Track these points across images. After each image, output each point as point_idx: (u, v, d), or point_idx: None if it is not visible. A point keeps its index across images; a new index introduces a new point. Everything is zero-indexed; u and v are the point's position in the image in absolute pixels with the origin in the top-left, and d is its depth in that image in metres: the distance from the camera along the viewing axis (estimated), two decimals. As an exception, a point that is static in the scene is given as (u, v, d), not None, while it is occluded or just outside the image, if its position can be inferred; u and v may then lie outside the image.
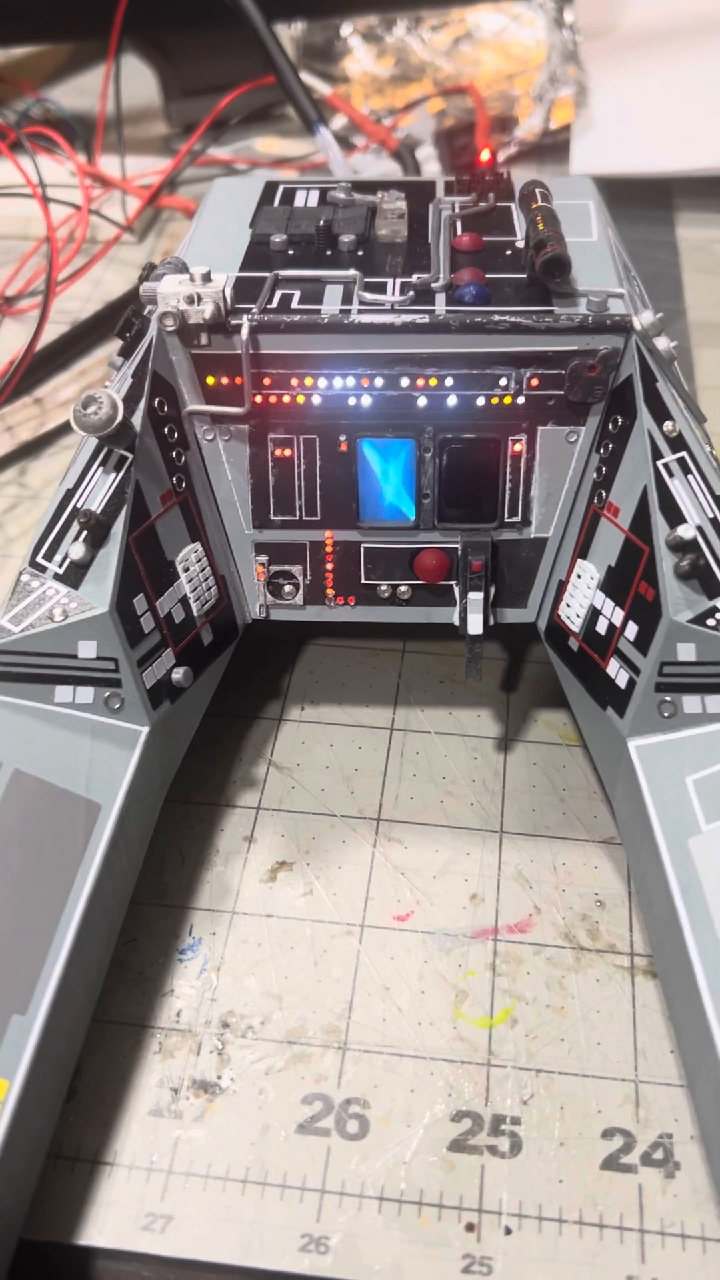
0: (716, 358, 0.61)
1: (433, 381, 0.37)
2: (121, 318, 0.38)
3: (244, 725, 0.43)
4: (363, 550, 0.39)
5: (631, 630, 0.35)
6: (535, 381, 0.37)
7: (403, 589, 0.40)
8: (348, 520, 0.39)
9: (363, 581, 0.40)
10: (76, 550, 0.35)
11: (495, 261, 0.40)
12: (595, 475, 0.37)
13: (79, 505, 0.36)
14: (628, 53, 0.83)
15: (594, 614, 0.37)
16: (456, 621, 0.39)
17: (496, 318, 0.36)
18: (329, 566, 0.40)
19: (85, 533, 0.35)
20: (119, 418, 0.34)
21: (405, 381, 0.37)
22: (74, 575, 0.35)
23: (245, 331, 0.36)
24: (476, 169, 0.47)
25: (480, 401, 0.37)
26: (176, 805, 0.40)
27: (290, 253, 0.41)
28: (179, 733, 0.38)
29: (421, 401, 0.37)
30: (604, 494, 0.37)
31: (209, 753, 0.42)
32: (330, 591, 0.40)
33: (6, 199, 0.65)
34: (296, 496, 0.39)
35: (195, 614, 0.38)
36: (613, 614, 0.36)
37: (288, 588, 0.40)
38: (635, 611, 0.35)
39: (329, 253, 0.41)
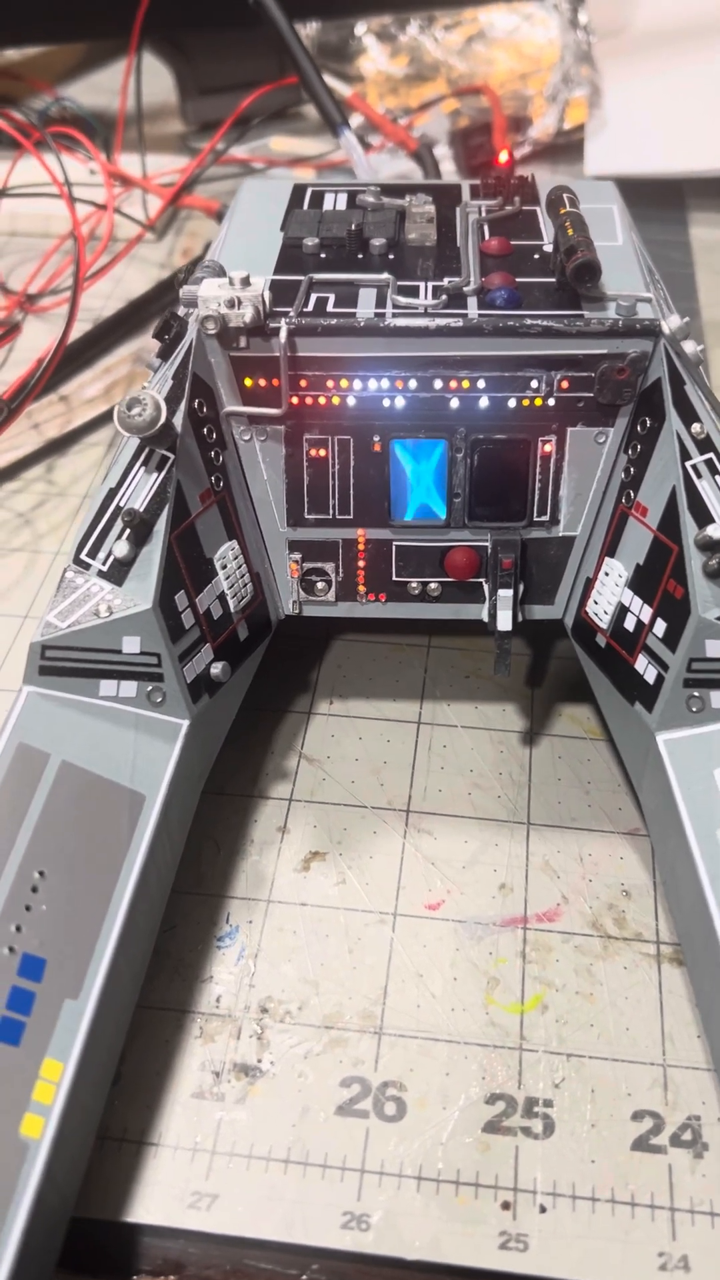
0: (731, 358, 0.61)
1: (465, 384, 0.38)
2: (159, 320, 0.39)
3: (275, 718, 0.44)
4: (394, 548, 0.40)
5: (660, 627, 0.36)
6: (565, 384, 0.38)
7: (433, 586, 0.41)
8: (380, 519, 0.40)
9: (394, 579, 0.41)
10: (120, 548, 0.36)
11: (524, 265, 0.41)
12: (624, 476, 0.38)
13: (122, 504, 0.36)
14: (641, 52, 0.83)
15: (622, 611, 0.38)
16: (485, 618, 0.40)
17: (529, 321, 0.37)
18: (361, 564, 0.41)
19: (129, 531, 0.36)
20: (162, 419, 0.35)
21: (438, 383, 0.38)
22: (118, 572, 0.36)
23: (284, 334, 0.37)
24: (501, 172, 0.48)
25: (511, 403, 0.38)
26: (212, 796, 0.41)
27: (323, 256, 0.42)
28: (217, 726, 0.39)
29: (454, 403, 0.38)
30: (632, 494, 0.38)
31: (242, 745, 0.43)
32: (362, 588, 0.41)
33: (27, 197, 0.66)
34: (330, 495, 0.40)
35: (232, 610, 0.39)
36: (641, 611, 0.37)
37: (320, 584, 0.41)
38: (664, 609, 0.36)
39: (360, 256, 0.42)
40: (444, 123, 0.80)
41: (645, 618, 0.37)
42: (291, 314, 0.37)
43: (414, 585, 0.41)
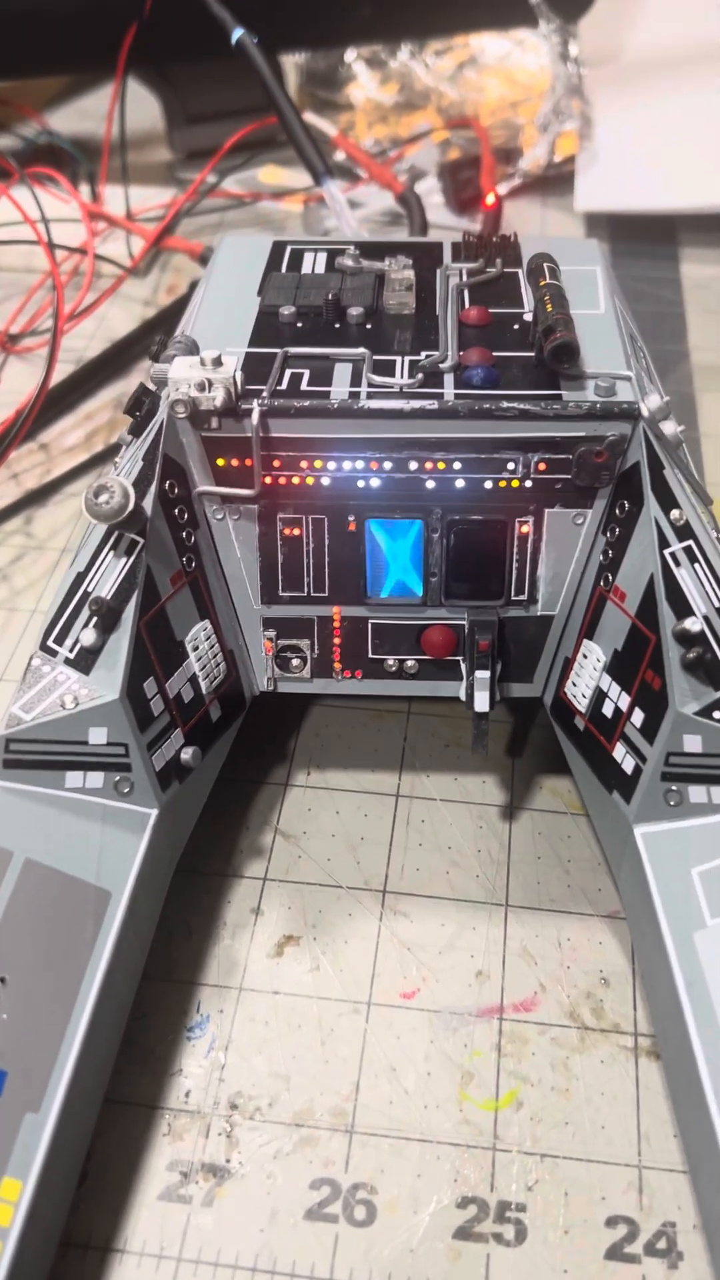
0: (720, 404, 0.61)
1: (441, 465, 0.37)
2: (132, 395, 0.39)
3: (250, 790, 0.44)
4: (370, 626, 0.40)
5: (638, 717, 0.35)
6: (543, 466, 0.37)
7: (410, 663, 0.40)
8: (355, 597, 0.39)
9: (370, 656, 0.40)
10: (88, 637, 0.35)
11: (503, 338, 0.40)
12: (602, 558, 0.38)
13: (90, 589, 0.36)
14: (632, 84, 0.82)
15: (600, 696, 0.37)
16: (463, 696, 0.40)
17: (505, 404, 0.36)
18: (336, 641, 0.40)
19: (96, 619, 0.35)
20: (130, 505, 0.35)
21: (414, 465, 0.37)
22: (85, 661, 0.35)
23: (255, 416, 0.36)
24: (485, 231, 0.47)
25: (488, 484, 0.37)
26: (184, 876, 0.40)
27: (299, 325, 0.41)
28: (187, 811, 0.38)
29: (430, 484, 0.37)
30: (610, 577, 0.37)
31: (216, 819, 0.42)
32: (338, 665, 0.40)
33: (6, 229, 0.65)
34: (305, 573, 0.39)
35: (203, 691, 0.38)
36: (619, 698, 0.36)
37: (295, 661, 0.40)
38: (642, 698, 0.35)
39: (337, 325, 0.41)
40: (434, 153, 0.80)
41: (624, 705, 0.36)
42: (264, 394, 0.37)
43: (391, 662, 0.40)
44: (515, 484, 0.37)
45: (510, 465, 0.37)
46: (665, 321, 0.68)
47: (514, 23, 0.81)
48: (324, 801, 0.43)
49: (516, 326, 0.41)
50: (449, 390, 0.37)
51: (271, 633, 0.40)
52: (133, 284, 0.70)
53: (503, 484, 0.37)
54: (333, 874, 0.41)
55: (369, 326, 0.41)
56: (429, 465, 0.37)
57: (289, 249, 0.46)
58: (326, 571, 0.39)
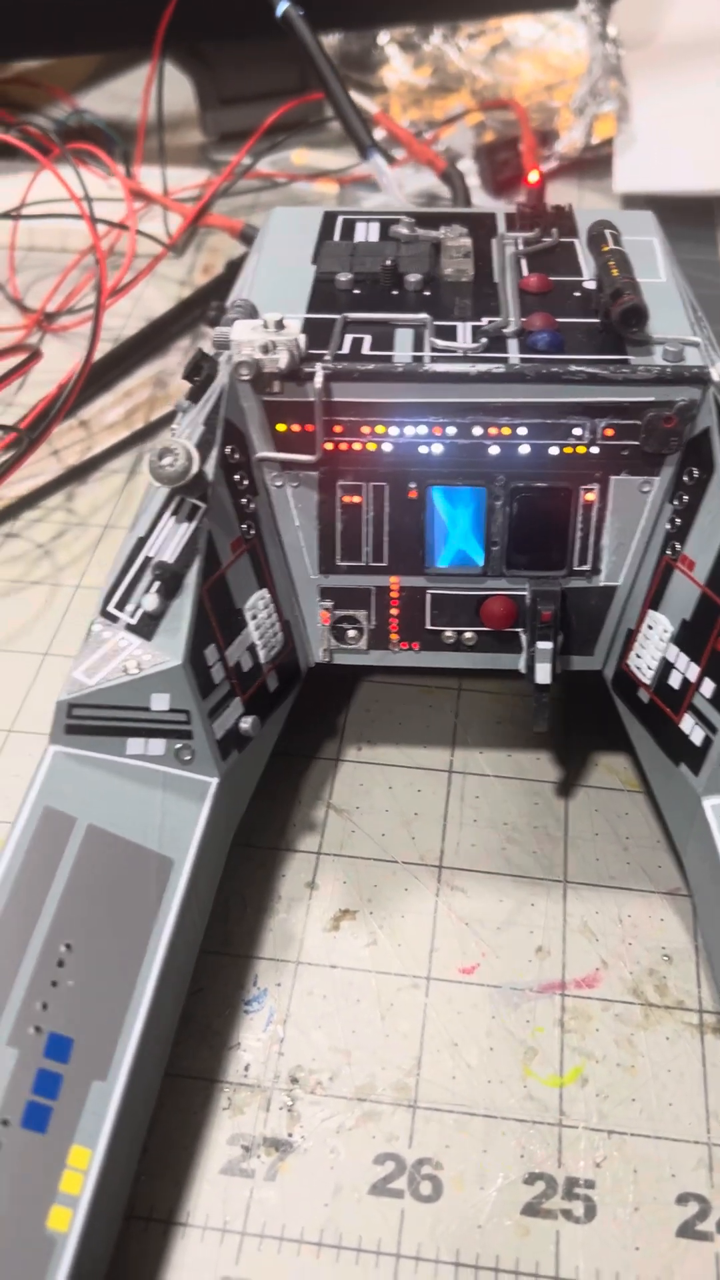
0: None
1: (505, 430, 0.37)
2: (189, 359, 0.38)
3: (302, 765, 0.43)
4: (429, 596, 0.39)
5: (708, 687, 0.35)
6: (610, 431, 0.36)
7: (468, 635, 0.39)
8: (414, 566, 0.39)
9: (428, 627, 0.39)
10: (150, 602, 0.34)
11: (564, 304, 0.39)
12: (669, 526, 0.37)
13: (151, 554, 0.35)
14: (671, 65, 0.82)
15: (666, 667, 0.37)
16: (522, 668, 0.39)
17: (573, 368, 0.36)
18: (394, 612, 0.39)
19: (159, 584, 0.34)
20: (194, 468, 0.34)
21: (478, 430, 0.37)
22: (147, 626, 0.35)
23: (319, 380, 0.36)
24: (538, 202, 0.46)
25: (553, 451, 0.37)
26: (238, 850, 0.39)
27: (356, 292, 0.40)
28: (245, 781, 0.38)
29: (494, 450, 0.37)
30: (678, 546, 0.36)
31: (268, 794, 0.41)
32: (395, 636, 0.40)
33: (46, 217, 0.65)
34: (363, 542, 0.38)
35: (262, 661, 0.37)
36: (687, 669, 0.36)
37: (352, 632, 0.40)
38: (712, 668, 0.35)
39: (395, 292, 0.40)
40: (468, 136, 0.79)
41: (692, 676, 0.35)
42: (327, 358, 0.36)
43: (449, 634, 0.39)
44: (581, 450, 0.37)
45: (576, 431, 0.36)
46: (707, 305, 0.67)
47: (551, 5, 0.81)
48: (376, 777, 0.43)
49: (578, 294, 0.40)
50: (514, 355, 0.37)
51: (329, 603, 0.39)
52: (169, 264, 0.69)
53: (568, 450, 0.37)
54: (387, 849, 0.40)
55: (427, 293, 0.40)
56: (493, 431, 0.37)
57: (340, 219, 0.46)
58: (386, 540, 0.38)
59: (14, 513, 0.54)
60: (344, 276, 0.41)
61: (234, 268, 0.66)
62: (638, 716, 0.38)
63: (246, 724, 0.36)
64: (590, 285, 0.40)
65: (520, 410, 0.36)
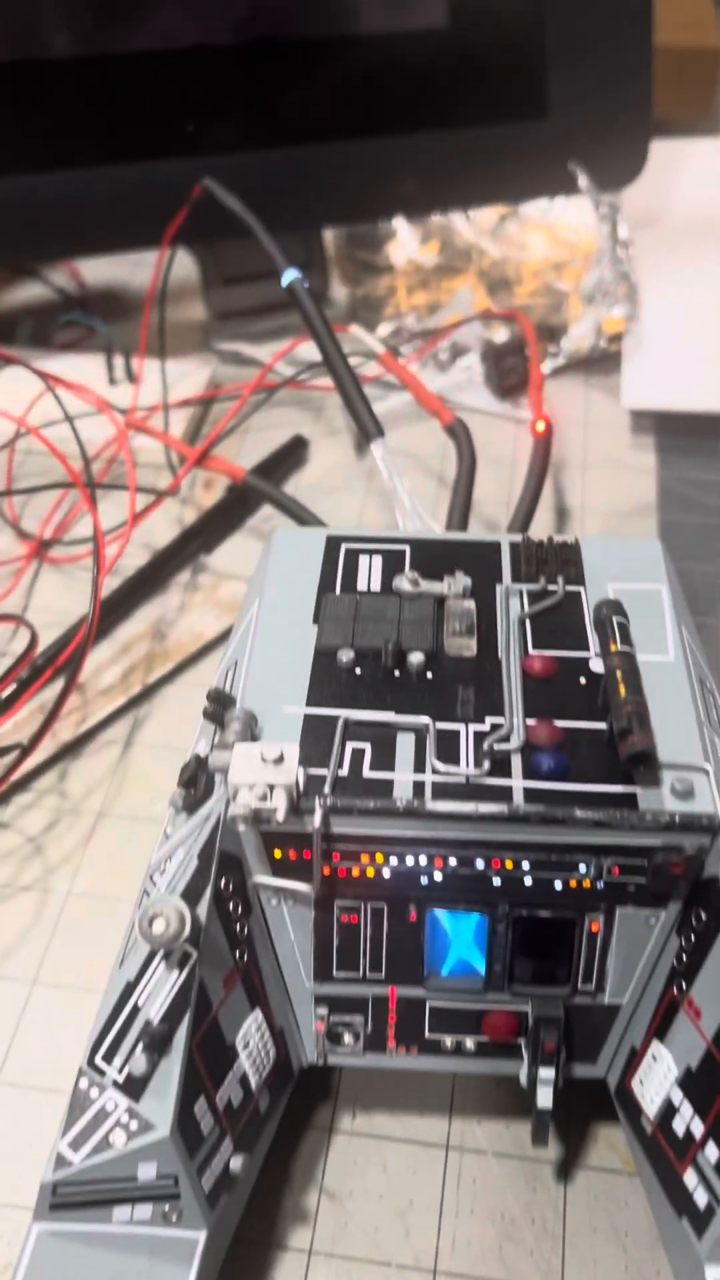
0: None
1: (509, 864, 0.35)
2: (184, 767, 0.37)
3: (294, 1137, 0.42)
4: (428, 1007, 0.38)
5: (713, 1153, 0.34)
6: (616, 870, 0.35)
7: (469, 1044, 0.38)
8: (413, 978, 0.38)
9: (426, 1035, 0.38)
10: (138, 1065, 0.33)
11: (570, 695, 0.38)
12: (675, 962, 0.36)
13: (140, 1002, 0.34)
14: (679, 250, 0.81)
15: (670, 1109, 0.36)
16: (523, 1080, 0.38)
17: (578, 813, 0.34)
18: (391, 1020, 0.38)
19: (146, 1042, 0.33)
20: (187, 930, 0.33)
21: (480, 863, 0.36)
22: (134, 1087, 0.34)
23: (319, 818, 0.35)
24: (543, 541, 0.45)
25: (557, 884, 0.36)
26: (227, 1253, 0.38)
27: (358, 671, 0.39)
28: (234, 1211, 0.37)
29: (496, 880, 0.36)
30: (684, 985, 0.35)
31: (259, 1173, 0.40)
32: (392, 1043, 0.39)
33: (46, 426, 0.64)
34: (361, 956, 0.37)
35: (254, 1087, 0.36)
36: (692, 1121, 0.35)
37: (347, 1037, 0.39)
38: (718, 1134, 0.34)
39: (397, 674, 0.39)
40: (476, 325, 0.78)
41: (696, 1131, 0.34)
42: (325, 788, 0.35)
43: (448, 1042, 0.38)
44: (586, 884, 0.36)
45: (581, 867, 0.35)
46: (713, 535, 0.66)
47: (555, 190, 0.80)
48: (370, 1154, 0.42)
49: (584, 681, 0.39)
50: (517, 781, 0.36)
51: (323, 1010, 0.38)
52: (168, 479, 0.68)
53: (573, 883, 0.36)
54: (380, 1246, 0.39)
55: (429, 675, 0.39)
56: (496, 863, 0.35)
57: (343, 549, 0.45)
58: (383, 954, 0.37)
59: (5, 797, 0.53)
60: (345, 655, 0.40)
61: (234, 492, 0.65)
62: (640, 1142, 0.37)
63: (236, 1164, 0.35)
64: (596, 667, 0.39)
65: (524, 847, 0.35)
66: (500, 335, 0.76)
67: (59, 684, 0.53)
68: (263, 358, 0.77)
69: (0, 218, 0.67)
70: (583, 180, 0.75)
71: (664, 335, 0.73)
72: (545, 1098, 0.37)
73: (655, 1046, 0.36)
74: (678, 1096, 0.35)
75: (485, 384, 0.75)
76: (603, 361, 0.77)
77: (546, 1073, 0.37)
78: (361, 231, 0.84)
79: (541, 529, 0.64)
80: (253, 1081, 0.36)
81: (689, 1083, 0.35)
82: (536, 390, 0.61)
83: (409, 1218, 0.40)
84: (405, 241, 0.85)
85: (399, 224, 0.84)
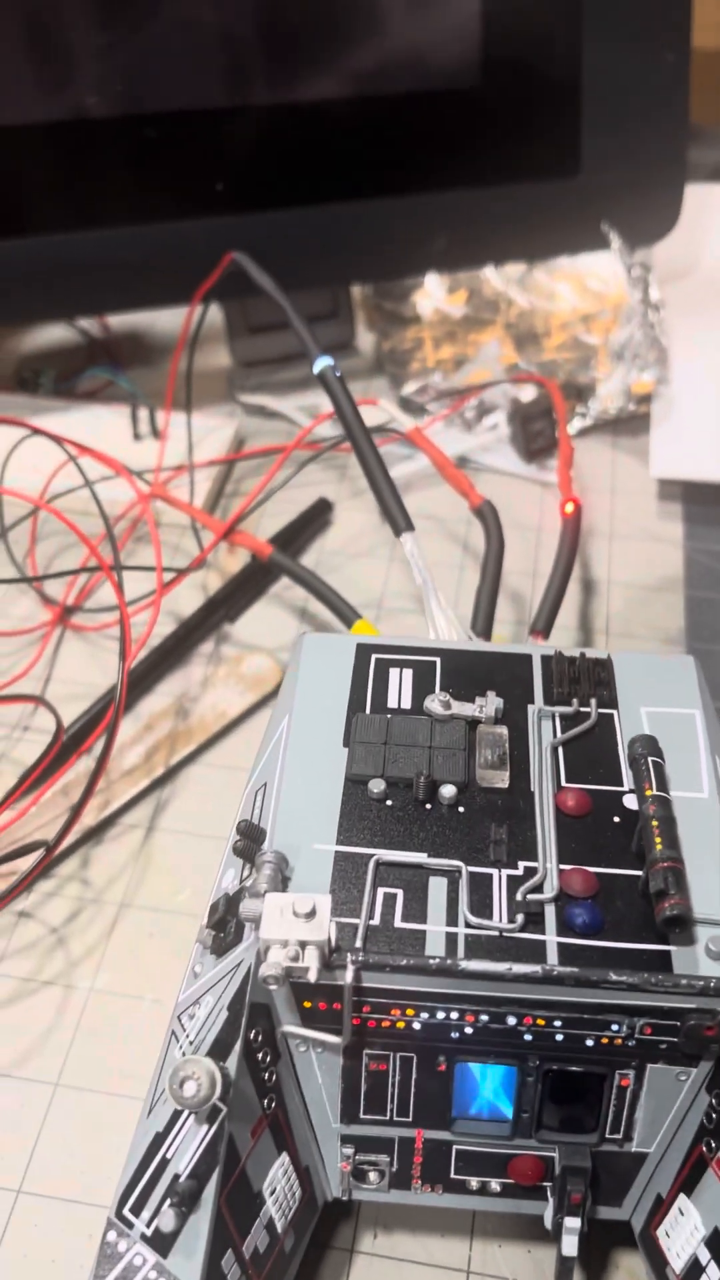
0: None
1: (541, 1021, 0.35)
2: (214, 908, 0.37)
3: (315, 1256, 0.42)
4: (454, 1150, 0.38)
5: (740, 1320, 0.34)
6: (648, 1030, 0.35)
7: (494, 1185, 0.38)
8: (440, 1123, 0.38)
9: (452, 1176, 0.38)
10: (167, 1222, 0.33)
11: (603, 836, 0.38)
12: (705, 1119, 0.36)
13: (168, 1155, 0.34)
14: (710, 309, 0.80)
15: (697, 1266, 0.35)
16: (548, 1223, 0.38)
17: (613, 976, 0.34)
18: (417, 1160, 0.38)
19: (175, 1200, 0.33)
20: (218, 1091, 0.33)
21: (512, 1019, 0.35)
22: (162, 1243, 0.34)
23: (350, 975, 0.34)
24: (574, 658, 0.45)
25: (589, 1041, 0.35)
26: None
27: (390, 803, 0.39)
28: None
29: (527, 1035, 0.36)
30: (714, 1143, 0.35)
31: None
32: (417, 1181, 0.39)
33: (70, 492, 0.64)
34: (388, 1101, 0.37)
35: (279, 1230, 0.36)
36: (719, 1284, 0.35)
37: (373, 1175, 0.39)
38: (746, 1309, 0.34)
39: (429, 805, 0.39)
40: (504, 385, 0.77)
41: (724, 1299, 0.34)
42: (358, 944, 0.35)
43: (473, 1183, 0.38)
44: (618, 1042, 0.35)
45: (614, 1026, 0.35)
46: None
47: (587, 248, 0.79)
48: (391, 1276, 0.42)
49: (618, 820, 0.39)
50: (550, 936, 0.35)
51: (349, 1149, 0.38)
52: (191, 540, 0.68)
53: (605, 1040, 0.35)
54: None
55: (461, 809, 0.39)
56: (528, 1020, 0.35)
57: (374, 659, 0.45)
58: (411, 1101, 0.37)
59: (26, 886, 0.53)
60: (376, 786, 0.39)
61: (256, 564, 0.65)
62: (664, 1293, 0.37)
63: (262, 1311, 0.35)
64: (630, 804, 0.39)
65: (557, 1005, 0.35)
66: (527, 393, 0.75)
67: (80, 764, 0.53)
68: (288, 411, 0.77)
69: (33, 277, 0.67)
70: (615, 241, 0.74)
71: (693, 401, 0.72)
72: (570, 1246, 0.37)
73: (682, 1201, 0.36)
74: (705, 1256, 0.35)
75: (511, 444, 0.74)
76: (630, 422, 0.76)
77: (572, 1222, 0.37)
78: (387, 282, 0.83)
79: (567, 603, 0.63)
80: (279, 1225, 0.36)
81: (717, 1244, 0.35)
82: (566, 466, 0.61)
83: (430, 1350, 0.40)
84: (432, 291, 0.84)
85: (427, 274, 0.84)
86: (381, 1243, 0.43)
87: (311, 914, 0.35)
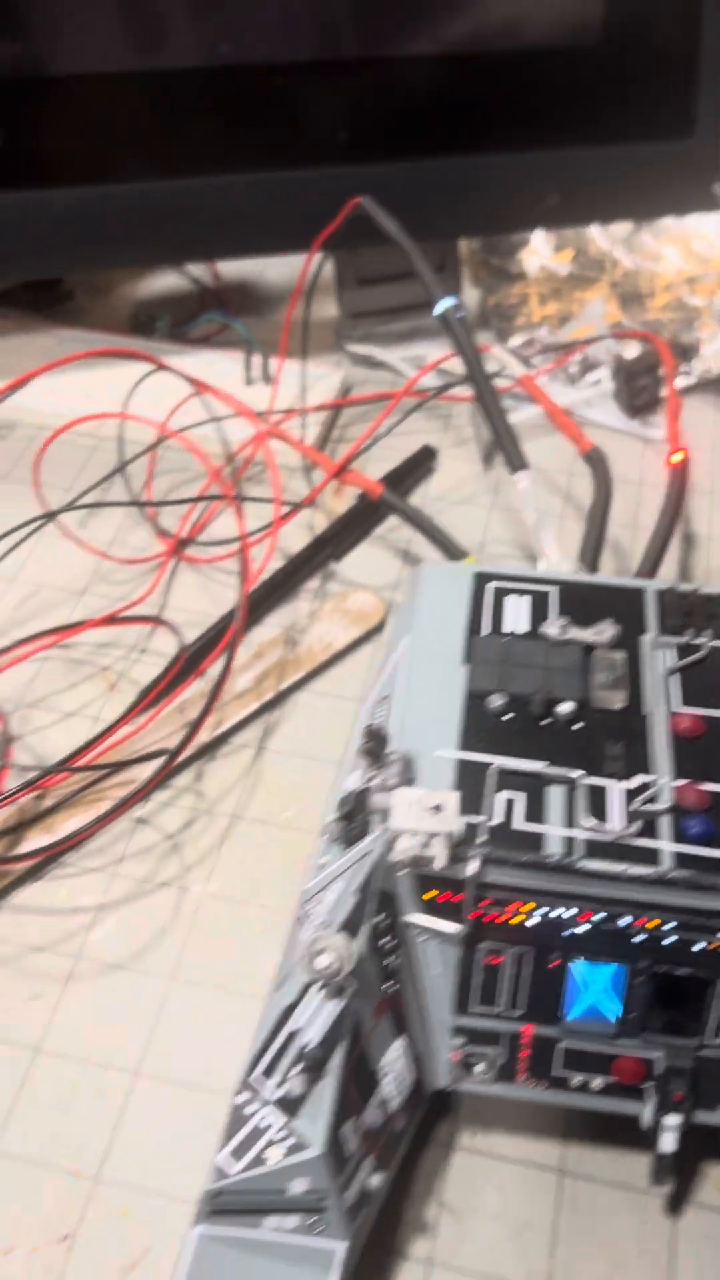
0: None
1: (652, 923, 0.37)
2: (347, 803, 0.39)
3: (417, 1148, 0.44)
4: (560, 1048, 0.40)
5: None
6: (757, 936, 0.37)
7: (596, 1083, 0.40)
8: (548, 1019, 0.39)
9: (555, 1073, 0.40)
10: (295, 1087, 0.35)
11: (716, 757, 0.40)
12: None
13: (297, 1027, 0.36)
14: None
15: None
16: (645, 1122, 0.40)
17: (725, 879, 0.36)
18: (524, 1055, 0.40)
19: (304, 1065, 0.36)
20: (351, 966, 0.35)
21: (625, 919, 0.37)
22: (290, 1107, 0.36)
23: (474, 868, 0.36)
24: (689, 591, 0.46)
25: (697, 946, 0.37)
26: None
27: (509, 717, 0.41)
28: (368, 1223, 0.39)
29: (638, 937, 0.37)
30: None
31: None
32: (522, 1075, 0.40)
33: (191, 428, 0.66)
34: (500, 994, 0.39)
35: (392, 1110, 0.39)
36: None
37: (480, 1066, 0.41)
38: None
39: (547, 720, 0.41)
40: (607, 339, 0.78)
41: None
42: (480, 839, 0.37)
43: (575, 1080, 0.40)
44: (726, 946, 0.37)
45: (723, 931, 0.37)
46: None
47: (697, 209, 0.79)
48: (488, 1174, 0.44)
49: (730, 742, 0.40)
50: (665, 843, 0.37)
51: (460, 1040, 0.40)
52: (298, 485, 0.70)
53: (713, 946, 0.37)
54: (497, 1263, 0.41)
55: (578, 725, 0.41)
56: (640, 921, 0.37)
57: (491, 587, 0.46)
58: (523, 995, 0.39)
59: (146, 794, 0.55)
60: (496, 700, 0.41)
61: (365, 501, 0.67)
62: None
63: (375, 1181, 0.38)
64: (747, 729, 0.41)
65: (669, 909, 0.37)
66: (631, 350, 0.76)
67: (196, 684, 0.56)
68: (394, 362, 0.78)
69: (165, 220, 0.69)
70: (727, 202, 0.74)
71: None
72: (670, 1143, 0.38)
73: (782, 1104, 0.38)
74: None
75: (615, 400, 0.75)
76: (734, 383, 0.77)
77: (673, 1119, 0.38)
78: (496, 237, 0.84)
79: (668, 556, 0.64)
80: (392, 1104, 0.38)
81: None
82: (674, 419, 0.62)
83: (523, 1238, 0.42)
84: (539, 248, 0.85)
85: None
86: (479, 1140, 0.45)
87: (439, 809, 0.36)
